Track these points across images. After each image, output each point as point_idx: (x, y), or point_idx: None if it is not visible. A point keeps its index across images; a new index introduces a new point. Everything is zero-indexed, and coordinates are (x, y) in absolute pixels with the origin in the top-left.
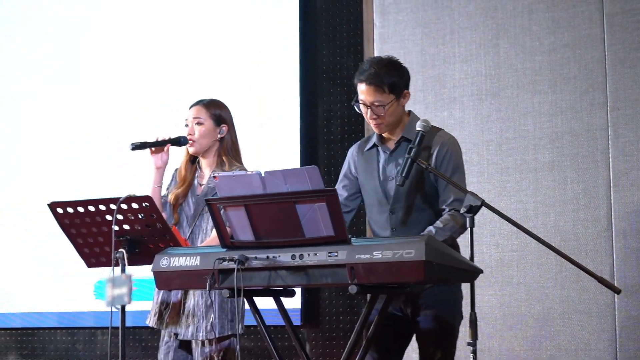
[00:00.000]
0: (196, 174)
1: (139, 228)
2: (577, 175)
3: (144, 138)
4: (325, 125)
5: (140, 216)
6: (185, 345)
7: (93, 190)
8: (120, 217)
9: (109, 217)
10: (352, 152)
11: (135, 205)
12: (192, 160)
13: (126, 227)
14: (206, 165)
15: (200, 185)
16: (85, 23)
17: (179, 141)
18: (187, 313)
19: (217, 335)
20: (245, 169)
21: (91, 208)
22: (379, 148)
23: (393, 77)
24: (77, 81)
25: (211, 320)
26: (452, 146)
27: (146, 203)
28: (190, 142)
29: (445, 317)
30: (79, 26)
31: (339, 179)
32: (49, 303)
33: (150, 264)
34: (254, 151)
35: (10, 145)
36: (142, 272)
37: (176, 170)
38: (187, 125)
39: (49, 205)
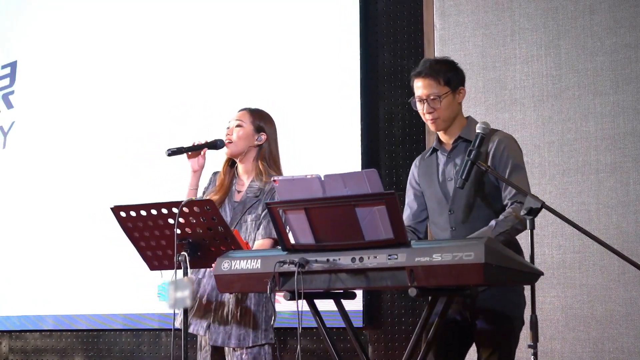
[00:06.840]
0: (234, 181)
1: (201, 231)
2: None
3: (181, 143)
4: (386, 127)
5: (202, 219)
6: (219, 352)
7: (156, 194)
8: (182, 220)
9: (171, 221)
10: (414, 162)
11: (196, 209)
12: (232, 165)
13: (188, 230)
14: (243, 172)
15: (239, 192)
16: (150, 29)
17: (215, 144)
18: (222, 320)
19: (250, 345)
20: None
21: (153, 212)
22: (438, 152)
23: (448, 72)
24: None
25: (244, 328)
26: (509, 144)
27: (208, 207)
28: (227, 142)
29: (503, 320)
30: (142, 31)
31: (406, 192)
32: (114, 305)
33: (211, 267)
34: (315, 153)
35: (76, 150)
36: None
37: (214, 174)
38: (228, 127)
39: (112, 209)
